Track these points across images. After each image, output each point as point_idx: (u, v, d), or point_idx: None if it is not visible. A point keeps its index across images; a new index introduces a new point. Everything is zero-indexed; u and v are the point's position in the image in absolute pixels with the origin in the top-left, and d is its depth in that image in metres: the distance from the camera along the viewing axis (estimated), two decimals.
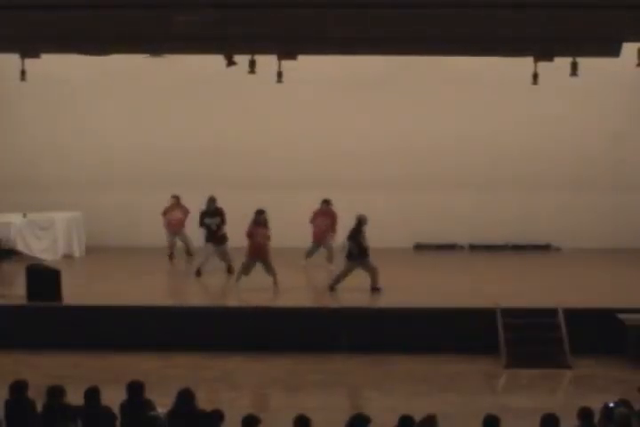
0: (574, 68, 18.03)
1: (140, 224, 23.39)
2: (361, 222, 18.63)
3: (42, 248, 22.51)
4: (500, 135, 23.75)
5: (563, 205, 24.05)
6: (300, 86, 21.92)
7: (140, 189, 23.32)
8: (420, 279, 20.22)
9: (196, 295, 18.22)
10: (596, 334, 16.42)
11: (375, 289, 18.48)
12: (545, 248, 24.23)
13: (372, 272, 18.46)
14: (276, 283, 18.74)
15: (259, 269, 18.95)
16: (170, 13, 13.53)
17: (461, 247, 24.42)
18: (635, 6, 13.25)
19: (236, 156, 23.93)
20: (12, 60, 18.73)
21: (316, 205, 21.58)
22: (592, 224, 23.83)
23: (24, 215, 22.57)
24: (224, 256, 20.47)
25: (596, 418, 10.09)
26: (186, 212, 22.42)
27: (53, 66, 21.32)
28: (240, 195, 21.52)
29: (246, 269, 18.88)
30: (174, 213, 22.57)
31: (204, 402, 10.71)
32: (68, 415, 10.19)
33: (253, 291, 18.71)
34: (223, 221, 20.32)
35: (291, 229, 21.91)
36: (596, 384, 15.16)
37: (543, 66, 18.12)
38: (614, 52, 15.72)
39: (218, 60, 18.26)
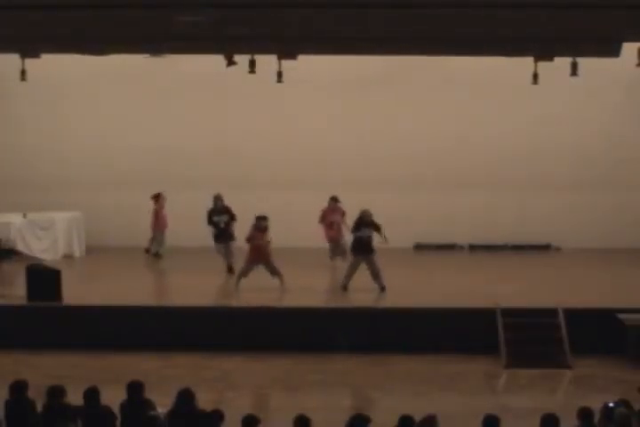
0: (574, 68, 18.03)
1: (140, 224, 23.36)
2: (362, 217, 18.65)
3: (42, 248, 22.52)
4: (499, 135, 23.75)
5: (562, 206, 24.04)
6: (299, 86, 21.93)
7: (140, 189, 23.29)
8: (420, 279, 20.22)
9: (196, 295, 18.21)
10: (596, 334, 16.42)
11: (382, 288, 18.48)
12: (545, 248, 24.24)
13: (374, 272, 18.45)
14: (282, 284, 18.71)
15: (259, 269, 18.95)
16: (170, 13, 13.52)
17: (461, 247, 24.42)
18: (635, 6, 13.25)
19: (235, 155, 23.92)
20: (12, 60, 18.73)
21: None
22: (592, 224, 23.83)
23: (24, 215, 22.58)
24: (228, 255, 20.54)
25: (596, 418, 10.09)
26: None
27: (53, 66, 21.32)
28: (240, 195, 21.49)
29: (245, 273, 18.89)
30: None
31: (203, 402, 10.70)
32: (68, 415, 10.19)
33: (253, 291, 18.71)
34: (232, 219, 20.48)
35: (291, 230, 21.94)
36: (596, 384, 15.16)
37: (543, 66, 18.13)
38: (614, 52, 15.71)
39: (218, 60, 18.28)
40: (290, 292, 18.66)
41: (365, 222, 18.61)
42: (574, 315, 16.56)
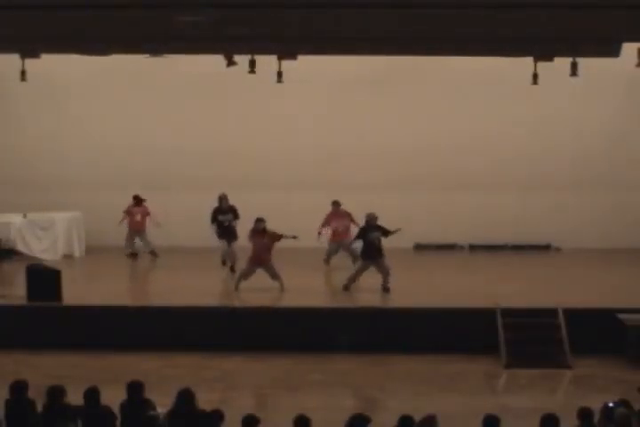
0: (574, 68, 18.03)
1: None
2: (369, 221, 18.67)
3: (42, 248, 22.53)
4: (499, 135, 23.75)
5: (563, 206, 24.05)
6: (300, 86, 21.92)
7: (139, 190, 23.28)
8: (420, 279, 20.22)
9: (196, 295, 18.20)
10: (596, 334, 16.41)
11: (386, 289, 18.47)
12: (545, 248, 24.24)
13: (384, 272, 18.47)
14: (282, 288, 18.68)
15: (260, 272, 18.97)
16: (170, 13, 13.51)
17: (461, 247, 24.43)
18: (635, 6, 13.23)
19: (235, 155, 23.92)
20: (12, 60, 18.73)
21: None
22: (592, 224, 23.84)
23: (24, 215, 22.59)
24: (231, 254, 20.59)
25: (596, 418, 10.09)
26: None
27: (53, 66, 21.32)
28: (240, 195, 21.49)
29: (246, 276, 18.88)
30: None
31: (204, 402, 10.70)
32: (68, 415, 10.20)
33: (253, 291, 18.71)
34: (236, 218, 20.61)
35: (291, 230, 21.91)
36: (596, 384, 15.16)
37: (543, 66, 18.13)
38: (614, 52, 15.70)
39: (218, 60, 18.28)
40: (290, 292, 18.66)
41: (372, 226, 18.62)
42: (574, 315, 16.56)
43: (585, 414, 9.99)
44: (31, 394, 10.69)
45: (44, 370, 15.29)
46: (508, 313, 16.64)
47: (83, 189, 24.14)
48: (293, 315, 17.13)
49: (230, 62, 18.22)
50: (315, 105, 23.74)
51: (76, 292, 17.94)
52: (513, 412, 12.99)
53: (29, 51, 17.35)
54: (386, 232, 18.63)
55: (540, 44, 15.66)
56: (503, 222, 23.91)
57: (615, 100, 23.68)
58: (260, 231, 18.81)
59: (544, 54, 16.73)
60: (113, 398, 10.67)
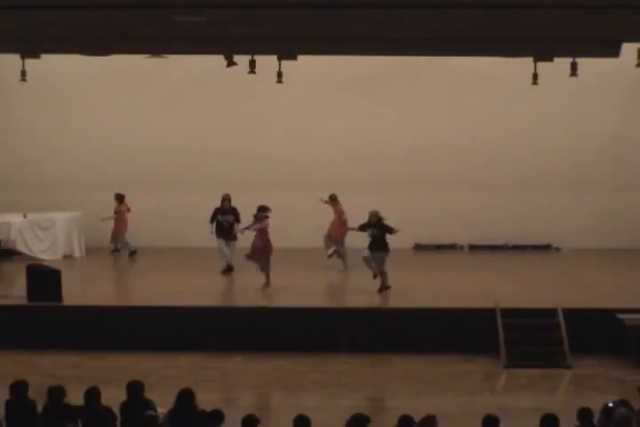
0: (574, 68, 18.04)
1: (140, 224, 23.37)
2: (370, 218, 18.66)
3: (42, 248, 22.53)
4: (499, 135, 23.75)
5: (563, 206, 24.04)
6: (300, 86, 21.93)
7: (140, 190, 23.30)
8: (420, 279, 20.20)
9: (196, 295, 18.20)
10: (596, 334, 16.41)
11: (381, 289, 18.46)
12: (545, 248, 24.24)
13: (379, 269, 18.42)
14: (266, 284, 18.73)
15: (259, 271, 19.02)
16: (170, 14, 13.51)
17: (461, 247, 24.43)
18: (635, 6, 13.22)
19: (236, 156, 23.92)
20: (12, 60, 18.74)
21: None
22: (592, 224, 23.83)
23: (24, 215, 22.59)
24: (229, 254, 20.58)
25: (596, 418, 10.09)
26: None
27: (53, 66, 21.32)
28: (239, 194, 21.47)
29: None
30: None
31: (204, 402, 10.70)
32: (68, 415, 10.20)
33: (253, 291, 18.71)
34: (237, 220, 20.56)
35: (291, 230, 21.95)
36: (596, 384, 15.14)
37: (543, 66, 18.13)
38: (614, 52, 15.70)
39: (218, 60, 18.28)
40: (290, 292, 18.67)
41: (370, 223, 18.60)
42: (574, 315, 16.54)
43: (585, 415, 9.98)
44: (31, 394, 10.70)
45: (44, 370, 15.29)
46: (508, 313, 16.62)
47: (83, 189, 24.13)
48: (293, 315, 17.12)
49: (230, 62, 18.22)
50: (315, 105, 23.73)
51: (76, 292, 17.95)
52: (513, 412, 13.00)
53: (29, 51, 17.36)
54: (384, 229, 18.54)
55: (540, 44, 15.66)
56: (503, 222, 23.90)
57: (615, 100, 23.67)
58: (259, 219, 18.89)
59: (544, 54, 16.74)
60: (113, 398, 10.67)
